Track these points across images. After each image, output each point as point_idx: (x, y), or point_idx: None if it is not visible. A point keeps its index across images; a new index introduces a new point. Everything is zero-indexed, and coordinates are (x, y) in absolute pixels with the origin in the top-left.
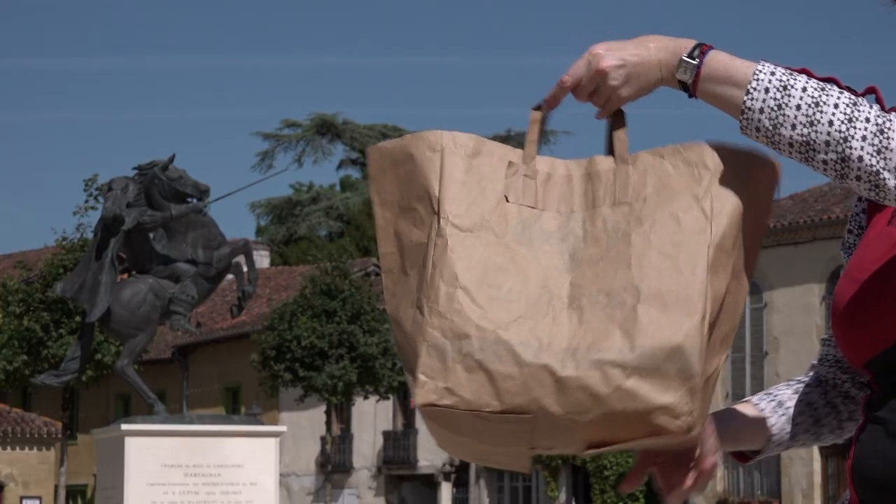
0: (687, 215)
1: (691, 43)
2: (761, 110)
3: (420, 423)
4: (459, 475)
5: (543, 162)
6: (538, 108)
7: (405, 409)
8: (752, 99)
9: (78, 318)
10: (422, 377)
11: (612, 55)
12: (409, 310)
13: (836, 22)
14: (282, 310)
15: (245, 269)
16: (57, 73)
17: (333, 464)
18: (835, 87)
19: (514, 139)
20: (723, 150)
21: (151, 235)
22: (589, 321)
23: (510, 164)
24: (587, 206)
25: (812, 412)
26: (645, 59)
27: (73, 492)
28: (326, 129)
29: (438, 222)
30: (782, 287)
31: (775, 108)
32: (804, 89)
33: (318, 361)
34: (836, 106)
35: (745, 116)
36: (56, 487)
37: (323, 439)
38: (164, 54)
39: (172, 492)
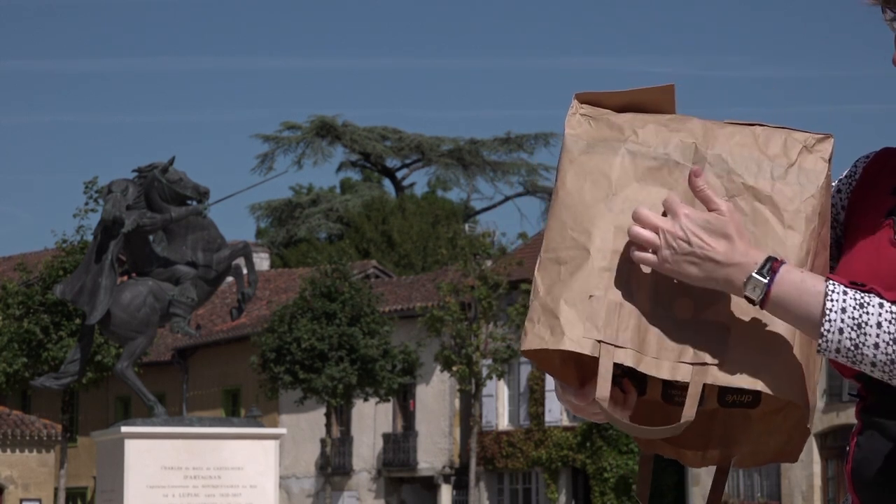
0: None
1: (761, 257)
2: (837, 350)
3: (419, 425)
4: (459, 477)
5: None
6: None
7: (405, 411)
8: (826, 341)
9: (78, 321)
10: None
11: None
12: None
13: (835, 22)
14: (281, 312)
15: (245, 271)
16: (57, 75)
17: (333, 466)
18: None
19: (513, 142)
20: None
21: (151, 238)
22: None
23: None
24: None
25: None
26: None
27: (73, 494)
28: (326, 131)
29: None
30: None
31: (852, 347)
32: (878, 335)
33: (318, 364)
34: None
35: (821, 347)
36: (56, 490)
37: (323, 441)
38: (164, 56)
39: (172, 494)
